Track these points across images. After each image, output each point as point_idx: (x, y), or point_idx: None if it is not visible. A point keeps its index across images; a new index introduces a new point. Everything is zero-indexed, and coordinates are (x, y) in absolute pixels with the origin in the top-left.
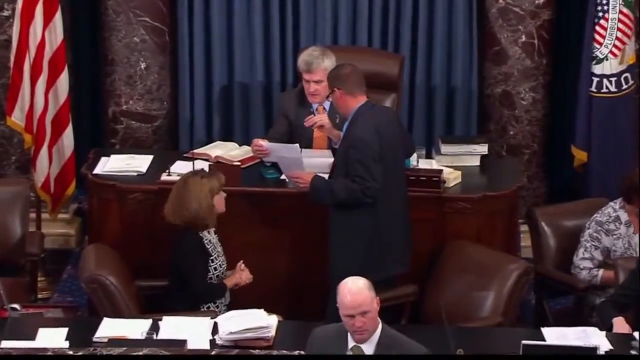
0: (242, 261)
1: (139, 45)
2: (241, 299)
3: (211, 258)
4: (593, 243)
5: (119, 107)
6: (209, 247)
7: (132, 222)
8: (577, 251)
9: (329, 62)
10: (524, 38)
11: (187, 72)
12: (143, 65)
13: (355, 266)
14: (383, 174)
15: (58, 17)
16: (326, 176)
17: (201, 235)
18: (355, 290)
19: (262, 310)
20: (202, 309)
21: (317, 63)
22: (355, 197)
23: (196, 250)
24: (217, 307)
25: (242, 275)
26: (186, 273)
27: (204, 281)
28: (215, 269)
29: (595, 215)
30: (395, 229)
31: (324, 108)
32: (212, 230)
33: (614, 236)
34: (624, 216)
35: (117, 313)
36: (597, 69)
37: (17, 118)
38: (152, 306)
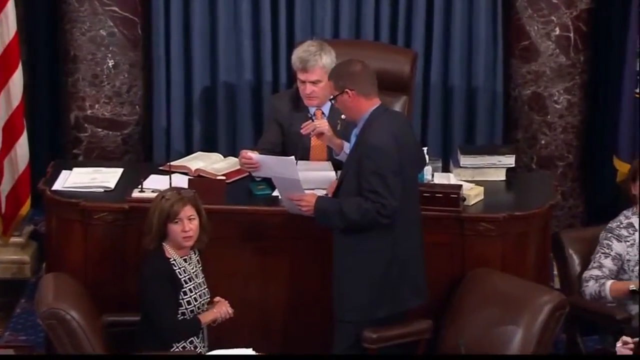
0: (223, 299)
1: (106, 40)
2: (227, 337)
3: (183, 289)
4: (603, 251)
5: (82, 112)
6: (181, 276)
7: (99, 247)
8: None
9: (328, 59)
10: (557, 31)
11: (162, 71)
12: (111, 63)
13: (366, 297)
14: (401, 189)
15: (10, 6)
16: (323, 192)
17: (172, 261)
18: None
19: (250, 349)
20: (176, 349)
21: (315, 60)
22: (371, 218)
23: (162, 279)
24: (195, 347)
25: (221, 308)
26: (149, 304)
27: (170, 316)
28: (188, 302)
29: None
30: (415, 253)
31: (323, 112)
32: (191, 255)
33: (627, 243)
34: (637, 223)
35: (80, 353)
36: None
37: None
38: (122, 345)
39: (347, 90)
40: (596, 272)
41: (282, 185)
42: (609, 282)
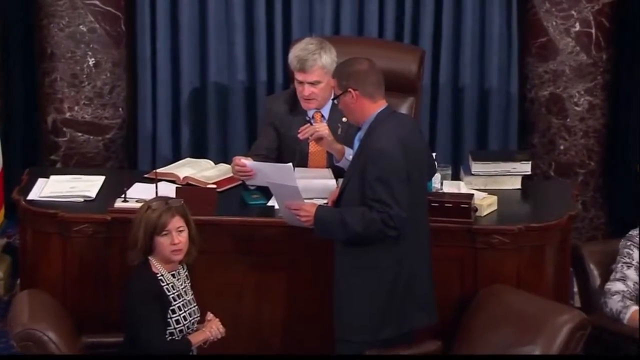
0: (213, 315)
1: (86, 36)
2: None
3: (172, 307)
4: (624, 261)
5: (60, 115)
6: (170, 292)
7: (78, 262)
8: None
9: (328, 59)
10: (577, 27)
11: (148, 70)
12: (92, 62)
13: (370, 316)
14: (409, 198)
15: None
16: (323, 202)
17: (160, 277)
18: None
19: None
20: None
21: (314, 60)
22: (376, 230)
23: (150, 297)
24: None
25: (212, 327)
26: (135, 325)
27: (159, 337)
28: (177, 321)
29: None
30: (423, 269)
31: (322, 115)
32: (180, 270)
33: None
34: None
35: None
36: None
37: None
38: None
39: (350, 90)
40: (621, 286)
41: (280, 194)
42: (632, 309)
